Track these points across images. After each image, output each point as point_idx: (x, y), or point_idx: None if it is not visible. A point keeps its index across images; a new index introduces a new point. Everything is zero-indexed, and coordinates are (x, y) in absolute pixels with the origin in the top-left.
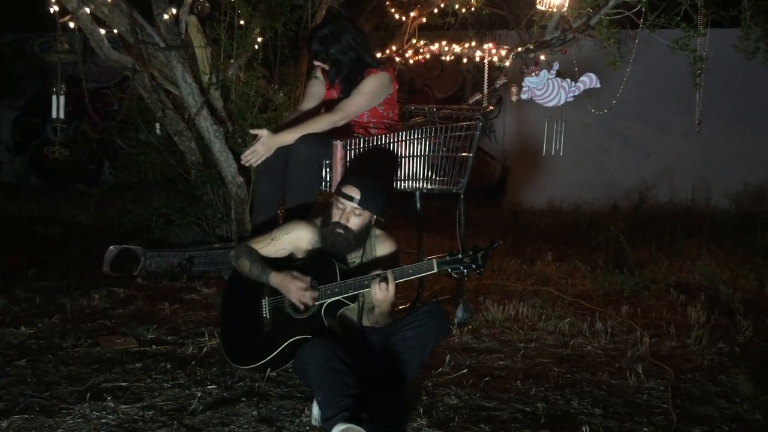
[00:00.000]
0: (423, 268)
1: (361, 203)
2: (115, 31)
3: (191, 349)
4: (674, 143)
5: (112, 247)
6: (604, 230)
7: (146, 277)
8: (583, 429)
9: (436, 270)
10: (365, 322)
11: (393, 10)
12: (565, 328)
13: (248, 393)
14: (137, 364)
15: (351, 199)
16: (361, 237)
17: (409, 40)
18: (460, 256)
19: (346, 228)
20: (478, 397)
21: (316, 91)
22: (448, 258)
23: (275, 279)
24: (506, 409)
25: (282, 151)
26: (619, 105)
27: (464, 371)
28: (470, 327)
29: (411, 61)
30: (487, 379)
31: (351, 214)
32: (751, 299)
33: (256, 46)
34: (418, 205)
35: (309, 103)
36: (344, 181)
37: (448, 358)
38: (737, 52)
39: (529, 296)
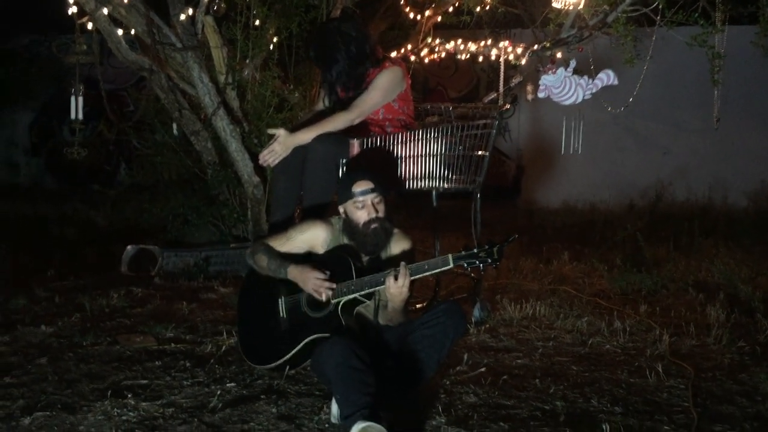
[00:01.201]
0: (439, 264)
1: (378, 189)
2: (132, 31)
3: (210, 347)
4: (691, 141)
5: (129, 247)
6: (621, 229)
7: (164, 276)
8: (603, 427)
9: (451, 265)
10: (380, 320)
11: (408, 9)
12: (583, 326)
13: (267, 390)
14: (157, 362)
15: (370, 191)
16: (391, 221)
17: (424, 39)
18: (475, 250)
19: (378, 219)
20: (497, 395)
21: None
22: (463, 253)
23: (293, 272)
24: (525, 408)
25: (299, 151)
26: (634, 103)
27: (482, 370)
28: (487, 326)
29: (426, 60)
30: (505, 377)
31: (374, 205)
32: None
33: (272, 47)
34: (434, 203)
35: (323, 103)
36: (349, 183)
37: (465, 356)
38: (755, 48)
39: (546, 295)
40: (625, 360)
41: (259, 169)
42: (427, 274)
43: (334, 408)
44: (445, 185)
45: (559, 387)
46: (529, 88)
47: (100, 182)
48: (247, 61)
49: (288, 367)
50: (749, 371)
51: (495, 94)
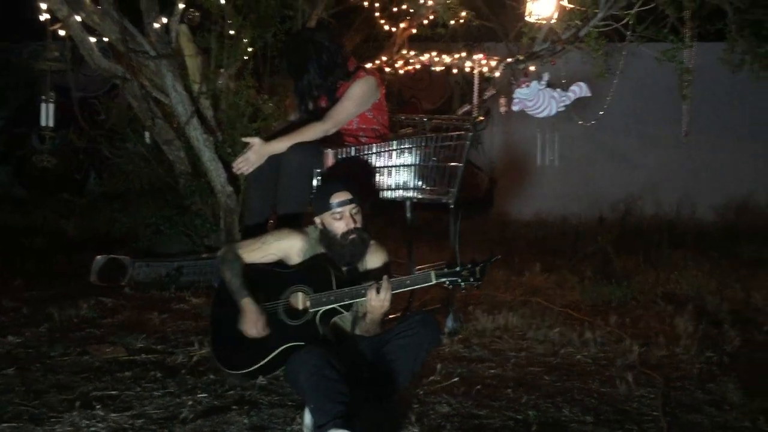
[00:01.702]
0: (420, 280)
1: (356, 200)
2: (105, 39)
3: (181, 357)
4: (660, 156)
5: (99, 256)
6: (592, 242)
7: (134, 287)
8: None
9: (434, 282)
10: (357, 331)
11: (383, 21)
12: (554, 337)
13: (239, 401)
14: (126, 373)
15: (348, 202)
16: (368, 231)
17: (399, 50)
18: (458, 269)
19: (356, 230)
20: (470, 405)
21: None
22: (446, 270)
23: (246, 305)
24: (498, 417)
25: (273, 160)
26: (605, 117)
27: (455, 380)
28: (460, 336)
29: (401, 71)
30: (478, 387)
31: (352, 216)
32: (738, 309)
33: (246, 57)
34: (408, 214)
35: (298, 113)
36: (327, 194)
37: (439, 366)
38: (723, 65)
39: (518, 306)
40: (596, 370)
41: (233, 179)
42: (409, 289)
43: (307, 418)
44: (419, 196)
45: (531, 397)
46: (503, 100)
47: (69, 191)
48: (222, 70)
49: (261, 374)
50: (717, 381)
51: (469, 106)
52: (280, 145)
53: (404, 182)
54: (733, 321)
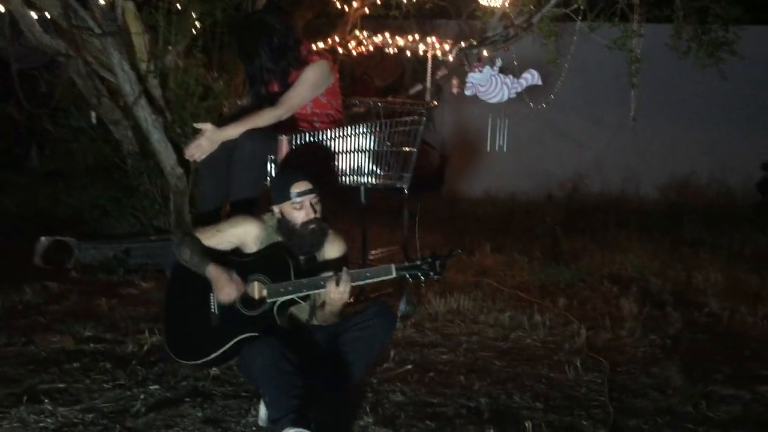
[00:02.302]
0: (381, 273)
1: (316, 190)
2: (48, 14)
3: (131, 347)
4: (607, 136)
5: (43, 238)
6: (540, 221)
7: (81, 270)
8: (526, 424)
9: (394, 275)
10: (313, 320)
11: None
12: (505, 321)
13: (192, 393)
14: (75, 364)
15: (309, 192)
16: (327, 220)
17: (351, 30)
18: (418, 262)
19: (316, 219)
20: (423, 393)
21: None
22: (406, 264)
23: (213, 272)
24: (451, 405)
25: (226, 146)
26: (555, 98)
27: (409, 367)
28: (413, 320)
29: (354, 53)
30: (431, 374)
31: (312, 205)
32: (680, 290)
33: (195, 33)
34: (363, 199)
35: (250, 98)
36: (287, 183)
37: (392, 353)
38: (670, 50)
39: (470, 288)
40: (545, 354)
41: (183, 161)
42: (368, 281)
43: (262, 410)
44: (373, 181)
45: (483, 383)
46: (455, 81)
47: (10, 167)
48: (170, 47)
49: (214, 366)
50: (661, 365)
51: (421, 86)
52: (234, 131)
53: (359, 168)
54: (676, 303)
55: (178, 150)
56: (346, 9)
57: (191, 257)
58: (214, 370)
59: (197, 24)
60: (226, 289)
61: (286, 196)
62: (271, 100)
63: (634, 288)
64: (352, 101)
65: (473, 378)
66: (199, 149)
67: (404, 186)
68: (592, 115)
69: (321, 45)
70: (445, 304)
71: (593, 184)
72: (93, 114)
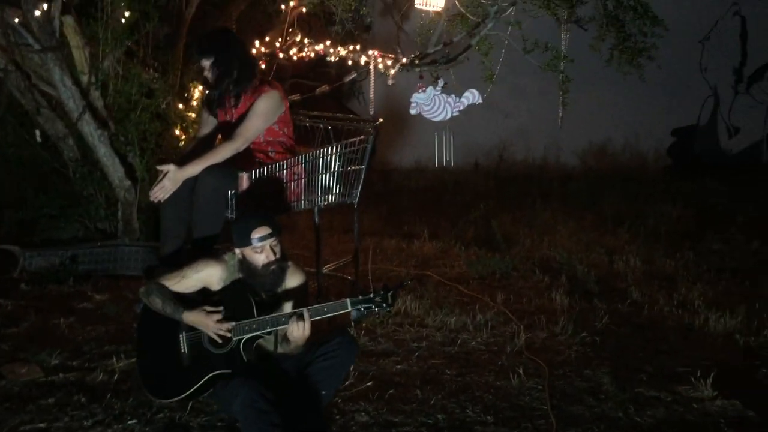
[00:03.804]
0: (337, 308)
1: (275, 233)
2: None
3: (101, 375)
4: (529, 105)
5: None
6: (470, 191)
7: (29, 279)
8: None
9: (350, 309)
10: (279, 350)
11: None
12: (450, 323)
13: (170, 425)
14: (50, 399)
15: (269, 236)
16: (286, 258)
17: (289, 30)
18: (371, 295)
19: (276, 261)
20: (386, 411)
21: (210, 117)
22: (360, 298)
23: (189, 317)
24: (412, 423)
25: (187, 182)
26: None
27: (369, 383)
28: (365, 326)
29: (295, 58)
30: (391, 391)
31: (272, 248)
32: (604, 277)
33: (131, 32)
34: (316, 219)
35: (205, 129)
36: (247, 229)
37: (351, 367)
38: (593, 51)
39: (413, 284)
40: (489, 359)
41: (130, 172)
42: (326, 316)
43: None
44: (325, 202)
45: (438, 396)
46: (391, 72)
47: None
48: (107, 51)
49: (189, 401)
50: (592, 365)
51: (354, 74)
52: (195, 169)
53: (313, 191)
54: (601, 292)
55: (125, 161)
56: (283, 8)
57: (163, 307)
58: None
59: (128, 23)
60: (210, 324)
61: (246, 242)
62: (223, 130)
63: (563, 278)
64: (299, 117)
65: (428, 391)
66: (163, 191)
67: (354, 201)
68: (515, 84)
69: (258, 44)
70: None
71: (518, 152)
72: (38, 132)
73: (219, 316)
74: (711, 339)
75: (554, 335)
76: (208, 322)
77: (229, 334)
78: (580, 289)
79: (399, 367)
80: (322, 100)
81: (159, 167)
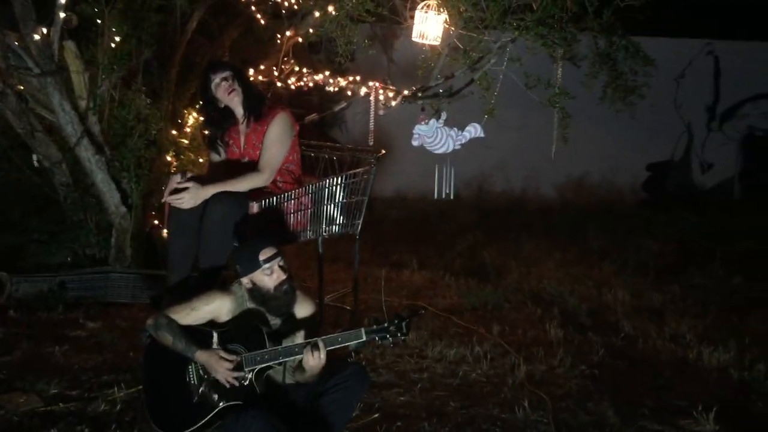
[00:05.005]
0: (351, 337)
1: (280, 252)
2: None
3: (103, 405)
4: (510, 137)
5: None
6: (452, 222)
7: (17, 306)
8: None
9: (364, 338)
10: (288, 380)
11: (263, 22)
12: (450, 354)
13: None
14: (52, 430)
15: (275, 257)
16: (293, 279)
17: (285, 58)
18: (386, 325)
19: (286, 281)
20: None
21: (216, 155)
22: (375, 327)
23: (201, 357)
24: None
25: (196, 210)
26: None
27: (376, 415)
28: (363, 356)
29: (293, 87)
30: (398, 423)
31: (280, 269)
32: (594, 309)
33: (130, 58)
34: (320, 249)
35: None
36: (254, 252)
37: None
38: (586, 89)
39: (407, 314)
40: (491, 391)
41: (125, 198)
42: (341, 345)
43: None
44: (329, 232)
45: (445, 430)
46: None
47: None
48: (104, 76)
49: None
50: (594, 398)
51: (345, 103)
52: (217, 190)
53: (318, 221)
54: (594, 325)
55: (121, 188)
56: (279, 37)
57: (174, 343)
58: None
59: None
60: (221, 371)
61: (255, 266)
62: (234, 162)
63: (556, 310)
64: (308, 153)
65: (435, 424)
66: (180, 202)
67: (356, 232)
68: (497, 116)
69: (253, 72)
70: None
71: (497, 183)
72: (35, 157)
73: (231, 365)
74: (706, 373)
75: (552, 368)
76: (219, 368)
77: (236, 383)
78: (572, 321)
79: (402, 398)
80: (309, 129)
81: (179, 184)
